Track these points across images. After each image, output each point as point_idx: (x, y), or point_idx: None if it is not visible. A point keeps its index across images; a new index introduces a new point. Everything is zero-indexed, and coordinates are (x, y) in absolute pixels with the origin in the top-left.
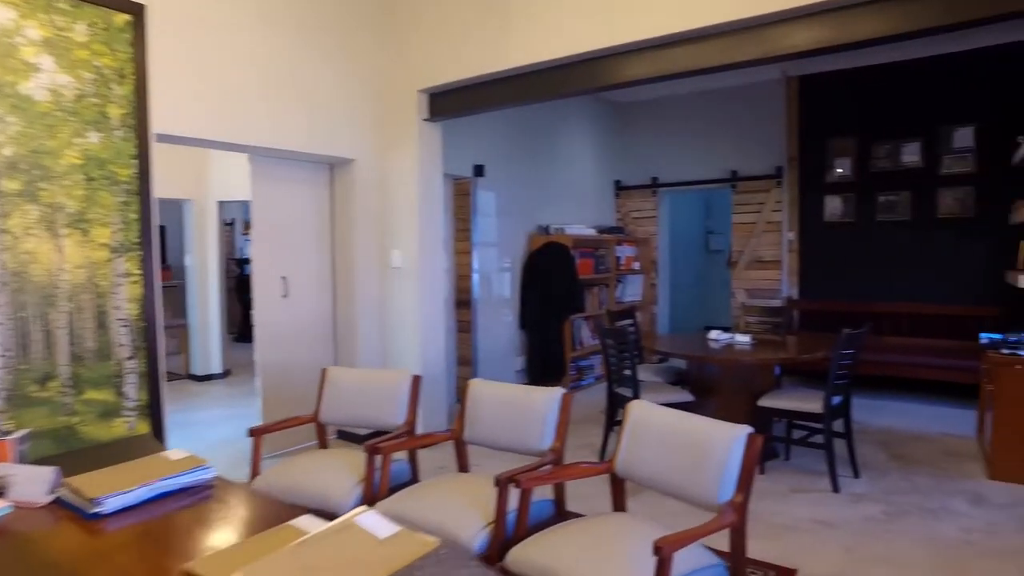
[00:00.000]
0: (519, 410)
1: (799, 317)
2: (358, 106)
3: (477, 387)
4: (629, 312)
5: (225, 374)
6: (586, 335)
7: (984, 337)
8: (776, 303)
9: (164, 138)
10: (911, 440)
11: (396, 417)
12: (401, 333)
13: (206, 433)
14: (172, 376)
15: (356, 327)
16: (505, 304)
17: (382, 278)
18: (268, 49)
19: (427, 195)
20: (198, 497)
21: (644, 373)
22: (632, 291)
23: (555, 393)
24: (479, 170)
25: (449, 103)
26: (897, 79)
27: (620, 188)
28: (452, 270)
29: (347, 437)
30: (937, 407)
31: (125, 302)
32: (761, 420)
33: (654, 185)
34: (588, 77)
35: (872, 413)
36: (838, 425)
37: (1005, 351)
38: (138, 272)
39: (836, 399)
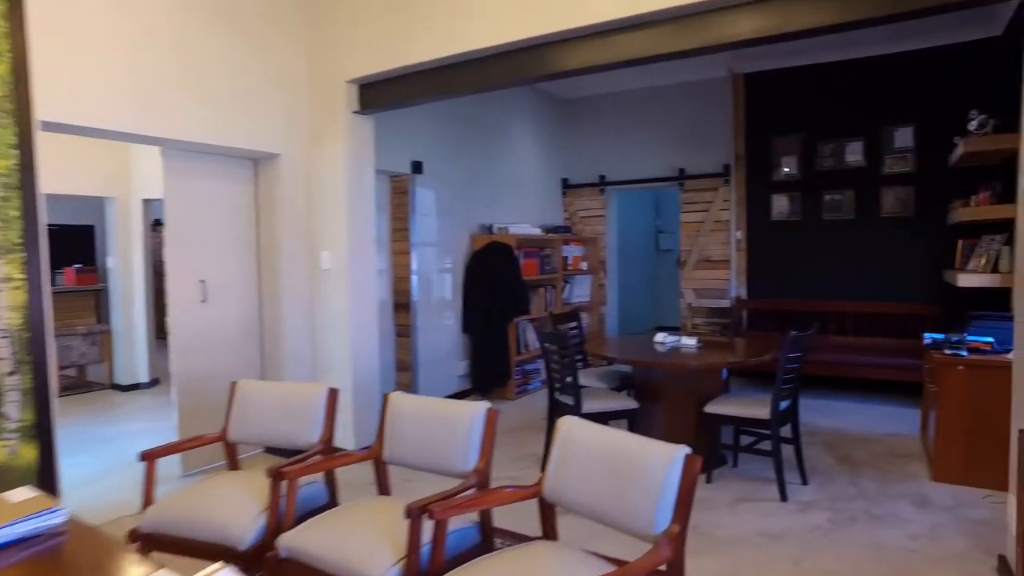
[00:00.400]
0: (440, 427)
1: (747, 317)
2: (283, 97)
3: (397, 401)
4: (573, 314)
5: (153, 383)
6: (532, 338)
7: (927, 337)
8: (724, 303)
9: (53, 127)
10: (857, 441)
11: (310, 435)
12: (332, 339)
13: (126, 448)
14: (95, 386)
15: (283, 334)
16: (447, 306)
17: (311, 281)
18: (182, 32)
19: (358, 192)
20: (39, 549)
21: (588, 378)
22: (580, 292)
23: (479, 409)
24: (417, 167)
25: (380, 94)
26: (840, 78)
27: (567, 186)
28: (390, 271)
29: (279, 452)
30: (882, 406)
31: (5, 310)
32: (708, 426)
33: (602, 183)
34: (527, 66)
35: (819, 414)
36: (786, 430)
37: (948, 351)
38: (21, 276)
39: (783, 404)
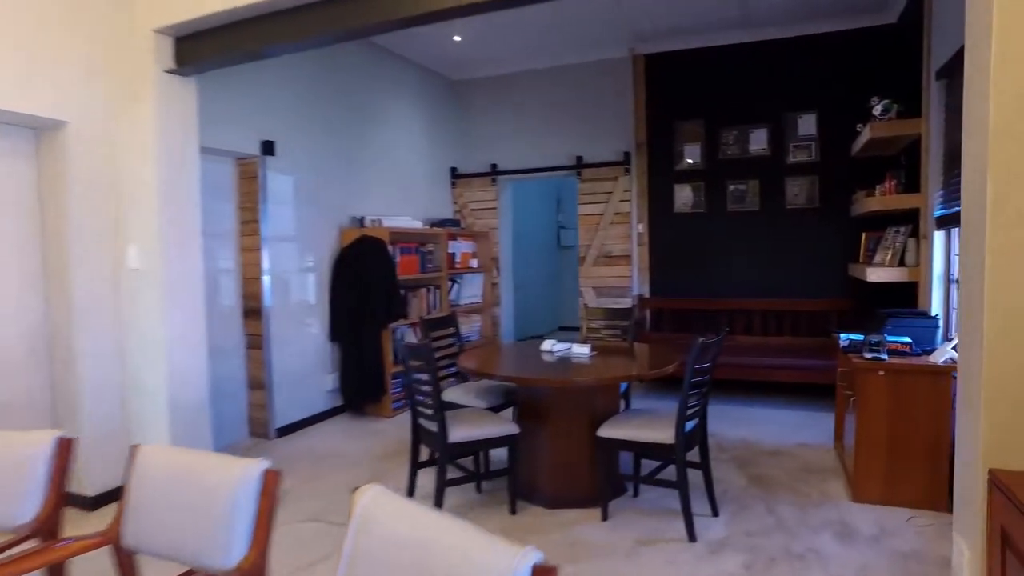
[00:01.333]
0: (196, 500)
1: (651, 316)
2: (73, 50)
3: (147, 458)
4: (449, 319)
5: None
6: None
7: (844, 339)
8: (627, 302)
9: None
10: (769, 456)
11: (16, 512)
12: (143, 356)
13: None
14: None
15: (78, 353)
16: (310, 312)
17: (115, 282)
18: None
19: (176, 172)
20: None
21: (466, 395)
22: (470, 292)
23: (249, 472)
24: (268, 147)
25: (203, 48)
26: (743, 61)
27: (457, 176)
28: (238, 271)
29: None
30: (792, 411)
31: None
32: (604, 453)
33: (493, 173)
34: (389, 6)
35: (727, 423)
36: (694, 454)
37: (868, 355)
38: None
39: (690, 424)
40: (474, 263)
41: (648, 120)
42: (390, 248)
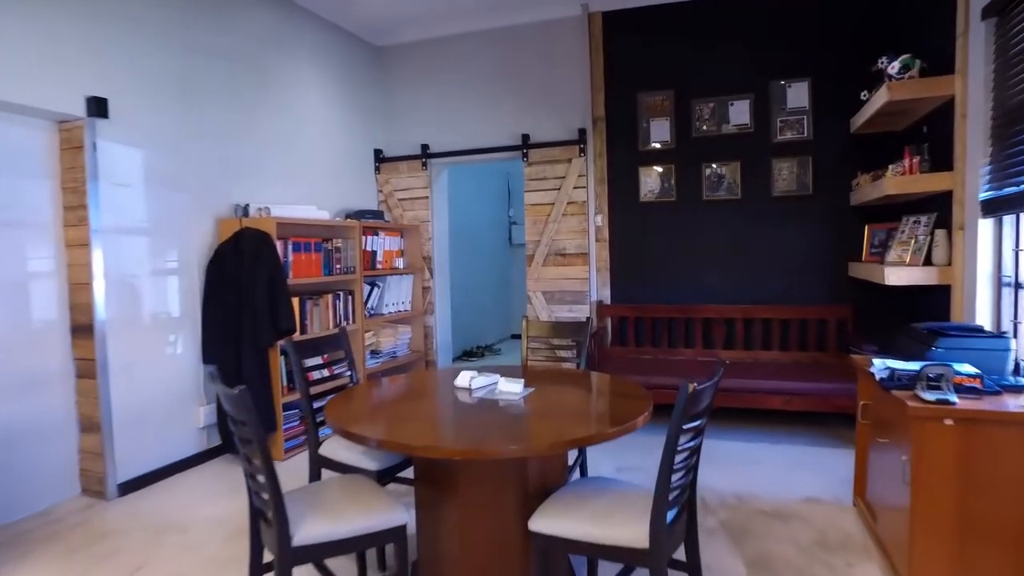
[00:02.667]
0: None
1: (612, 327)
2: None
3: None
4: (333, 340)
5: None
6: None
7: (880, 368)
8: (581, 311)
9: None
10: (771, 520)
11: None
12: None
13: None
14: None
15: None
16: (173, 327)
17: None
18: None
19: None
20: None
21: (349, 449)
22: (396, 298)
23: None
24: (98, 107)
25: None
26: (721, 18)
27: (382, 160)
28: (61, 274)
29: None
30: (787, 445)
31: None
32: (542, 554)
33: (424, 155)
34: None
35: (709, 465)
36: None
37: (926, 395)
38: None
39: (672, 512)
40: (400, 263)
41: (607, 91)
42: (279, 244)
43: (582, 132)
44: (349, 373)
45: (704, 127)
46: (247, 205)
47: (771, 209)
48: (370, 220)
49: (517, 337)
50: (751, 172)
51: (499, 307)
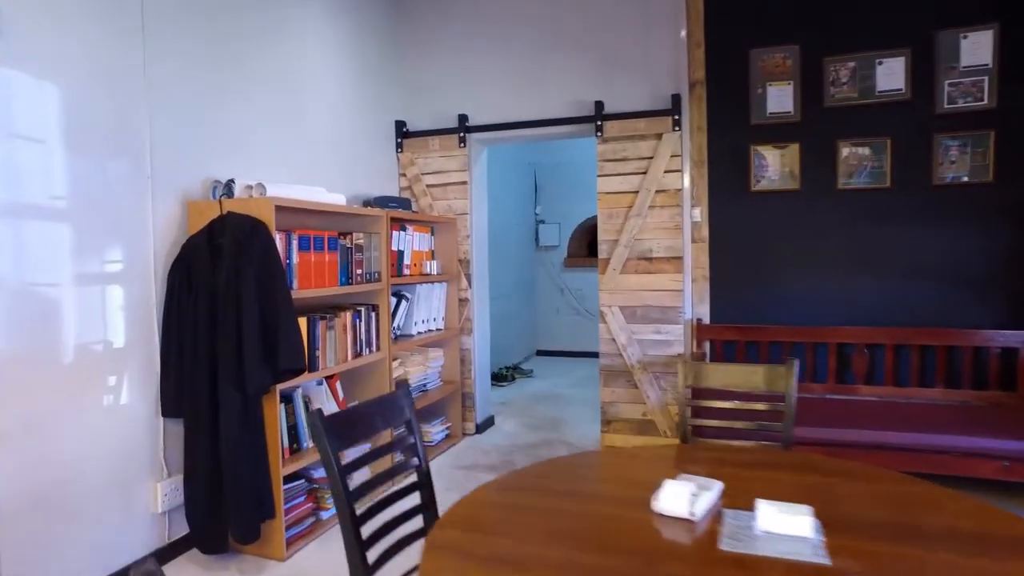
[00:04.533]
0: None
1: (711, 353)
2: None
3: None
4: (391, 402)
5: None
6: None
7: None
8: (674, 334)
9: None
10: None
11: None
12: None
13: None
14: None
15: None
16: (114, 363)
17: None
18: None
19: None
20: None
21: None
22: (428, 314)
23: None
24: None
25: None
26: None
27: (405, 135)
28: None
29: None
30: None
31: None
32: None
33: (462, 129)
34: None
35: None
36: None
37: None
38: None
39: None
40: (432, 267)
41: (709, 47)
42: (278, 239)
43: (675, 100)
44: (416, 465)
45: (841, 94)
46: (230, 181)
47: (931, 202)
48: (396, 209)
49: (543, 354)
50: (905, 153)
51: (525, 319)
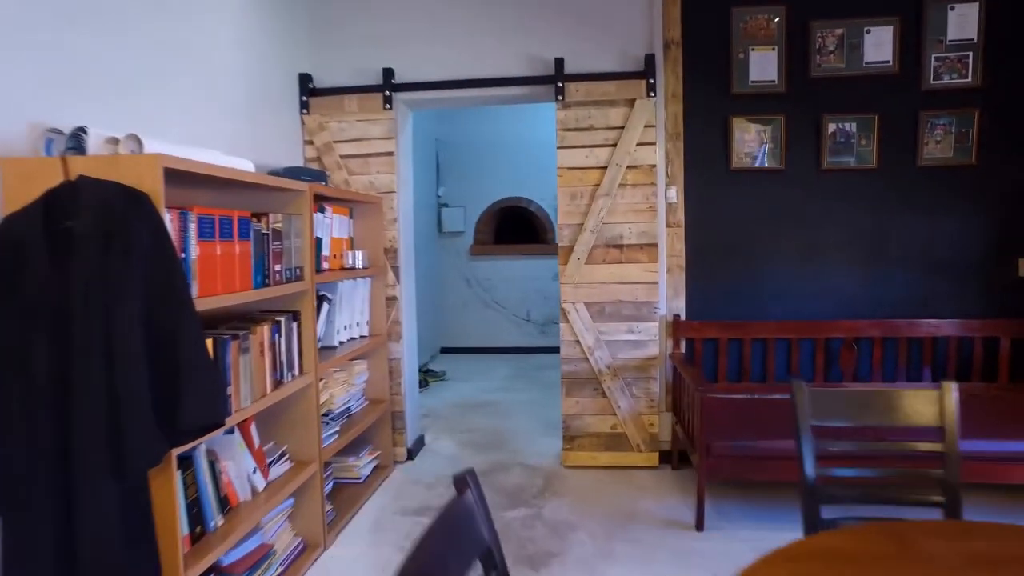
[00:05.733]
0: None
1: (686, 351)
2: None
3: None
4: None
5: None
6: (242, 488)
7: None
8: (648, 330)
9: None
10: None
11: None
12: None
13: None
14: None
15: None
16: None
17: None
18: None
19: None
20: None
21: None
22: (349, 317)
23: None
24: None
25: None
26: None
27: (312, 92)
28: None
29: None
30: None
31: None
32: None
33: (387, 86)
34: None
35: None
36: None
37: None
38: None
39: None
40: (356, 259)
41: (687, 2)
42: (169, 221)
43: (649, 61)
44: None
45: (827, 63)
46: (80, 131)
47: (919, 183)
48: (318, 184)
49: (449, 352)
50: (893, 130)
51: (428, 314)
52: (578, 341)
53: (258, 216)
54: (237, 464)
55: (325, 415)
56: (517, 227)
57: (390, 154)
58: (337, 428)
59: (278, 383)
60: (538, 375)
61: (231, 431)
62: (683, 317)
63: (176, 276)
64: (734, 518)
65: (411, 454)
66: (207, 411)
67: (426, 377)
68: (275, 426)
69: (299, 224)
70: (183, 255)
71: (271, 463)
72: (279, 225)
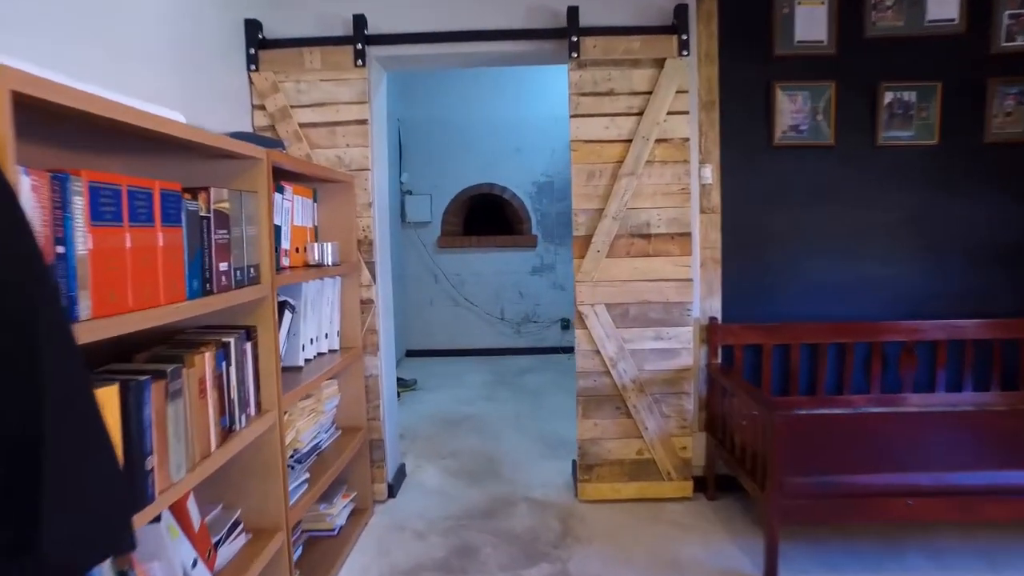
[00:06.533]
0: None
1: (723, 359)
2: None
3: None
4: None
5: None
6: None
7: None
8: (677, 343)
9: None
10: None
11: None
12: None
13: None
14: None
15: None
16: None
17: None
18: None
19: None
20: None
21: None
22: (316, 329)
23: None
24: None
25: None
26: None
27: (263, 44)
28: None
29: None
30: None
31: None
32: None
33: (359, 38)
34: None
35: None
36: None
37: None
38: None
39: None
40: (324, 253)
41: None
42: (28, 188)
43: (680, 12)
44: None
45: (884, 21)
46: None
47: (983, 162)
48: (277, 151)
49: (415, 355)
50: (958, 101)
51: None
52: (598, 351)
53: (193, 192)
54: (168, 562)
55: (291, 456)
56: (489, 217)
57: (362, 122)
58: (306, 475)
59: (228, 433)
60: (520, 381)
61: (158, 519)
62: (717, 317)
63: (31, 288)
64: (805, 567)
65: (392, 490)
66: (94, 532)
67: (397, 388)
68: (224, 483)
69: (253, 205)
70: (64, 249)
71: (219, 542)
72: (225, 206)
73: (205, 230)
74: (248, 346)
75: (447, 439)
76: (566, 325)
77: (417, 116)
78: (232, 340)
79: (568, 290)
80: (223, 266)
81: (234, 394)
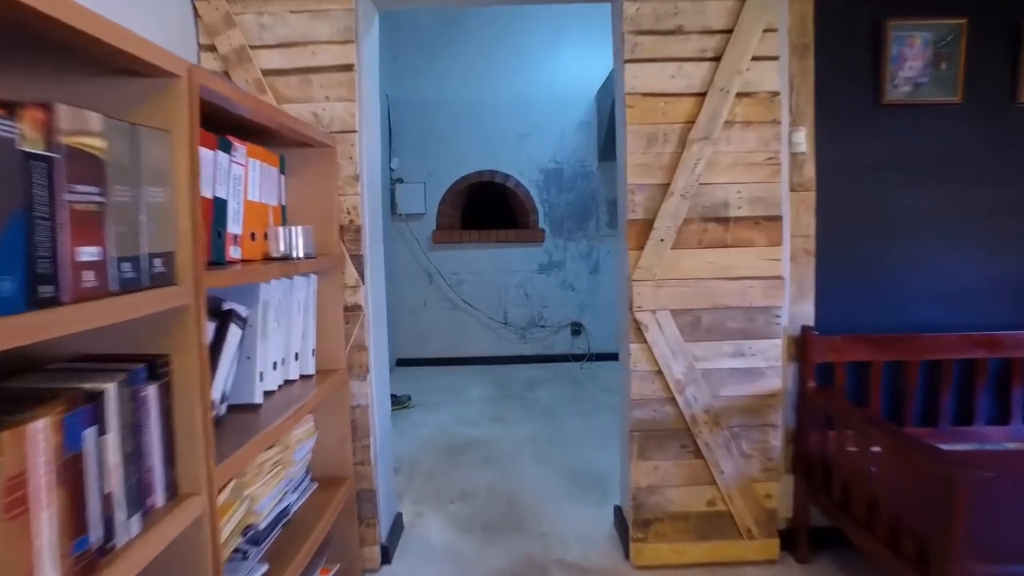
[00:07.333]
0: None
1: (818, 383)
2: None
3: None
4: None
5: None
6: None
7: None
8: (762, 361)
9: None
10: None
11: None
12: None
13: None
14: None
15: None
16: None
17: None
18: None
19: None
20: None
21: None
22: (286, 349)
23: None
24: None
25: None
26: None
27: None
28: None
29: None
30: None
31: None
32: None
33: None
34: None
35: None
36: None
37: None
38: None
39: None
40: (295, 241)
41: None
42: None
43: None
44: None
45: None
46: None
47: None
48: (211, 75)
49: (406, 364)
50: None
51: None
52: (659, 372)
53: (8, 107)
54: None
55: (243, 536)
56: (491, 209)
57: (347, 68)
58: (264, 567)
59: (94, 558)
60: (530, 396)
61: None
62: (811, 326)
63: None
64: None
65: (386, 553)
66: None
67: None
68: None
69: (160, 151)
70: None
71: None
72: (94, 143)
73: (38, 181)
74: (151, 391)
75: (452, 474)
76: (577, 330)
77: (409, 94)
78: (111, 387)
79: (579, 290)
80: (88, 252)
81: (114, 485)
